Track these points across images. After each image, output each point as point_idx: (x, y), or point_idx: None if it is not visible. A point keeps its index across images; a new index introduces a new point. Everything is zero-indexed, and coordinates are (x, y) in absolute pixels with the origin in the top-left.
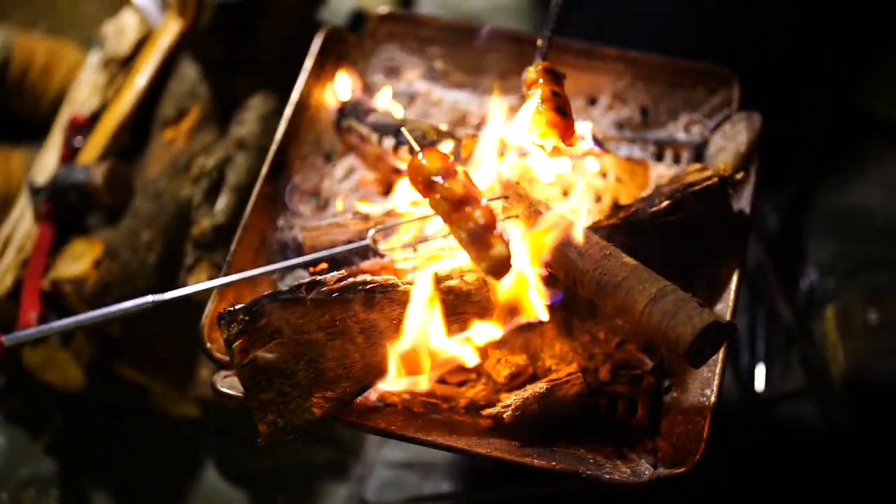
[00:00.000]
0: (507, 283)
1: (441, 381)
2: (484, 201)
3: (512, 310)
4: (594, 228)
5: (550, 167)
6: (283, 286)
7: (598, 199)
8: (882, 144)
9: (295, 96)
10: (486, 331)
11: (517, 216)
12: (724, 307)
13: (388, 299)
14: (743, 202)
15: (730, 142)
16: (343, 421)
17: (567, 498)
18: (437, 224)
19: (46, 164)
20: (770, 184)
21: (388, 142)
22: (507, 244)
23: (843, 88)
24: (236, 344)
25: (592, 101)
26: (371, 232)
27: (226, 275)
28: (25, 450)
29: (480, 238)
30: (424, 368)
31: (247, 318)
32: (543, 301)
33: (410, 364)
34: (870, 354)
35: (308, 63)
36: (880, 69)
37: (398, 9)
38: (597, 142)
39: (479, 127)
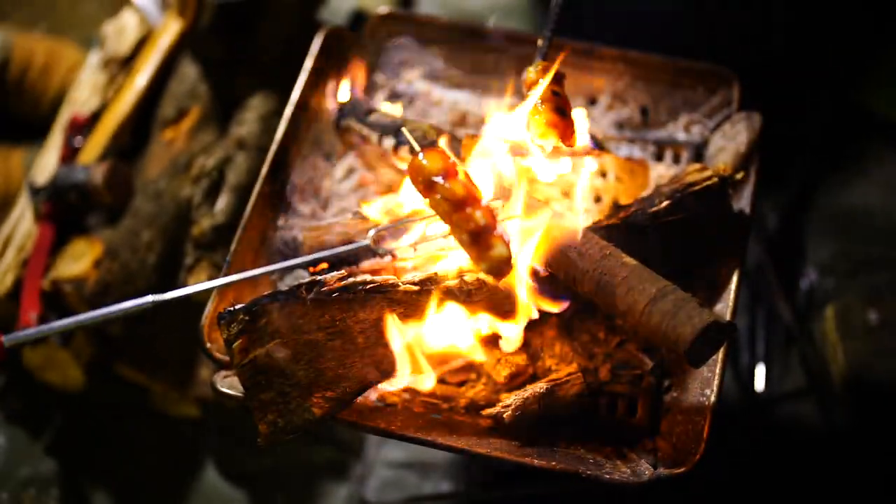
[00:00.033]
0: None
1: (441, 380)
2: (484, 202)
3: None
4: (594, 228)
5: (550, 167)
6: (283, 286)
7: (598, 199)
8: (882, 144)
9: (295, 96)
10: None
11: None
12: (724, 307)
13: (388, 299)
14: (743, 202)
15: (730, 142)
16: (343, 421)
17: (567, 498)
18: (437, 224)
19: (46, 164)
20: (770, 184)
21: (389, 142)
22: (507, 245)
23: (843, 88)
24: (236, 344)
25: (592, 101)
26: (371, 232)
27: (226, 275)
28: (25, 450)
29: (481, 239)
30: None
31: (247, 318)
32: (539, 304)
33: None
34: (870, 354)
35: (308, 63)
36: (880, 69)
37: (398, 9)
38: (596, 142)
39: (478, 127)
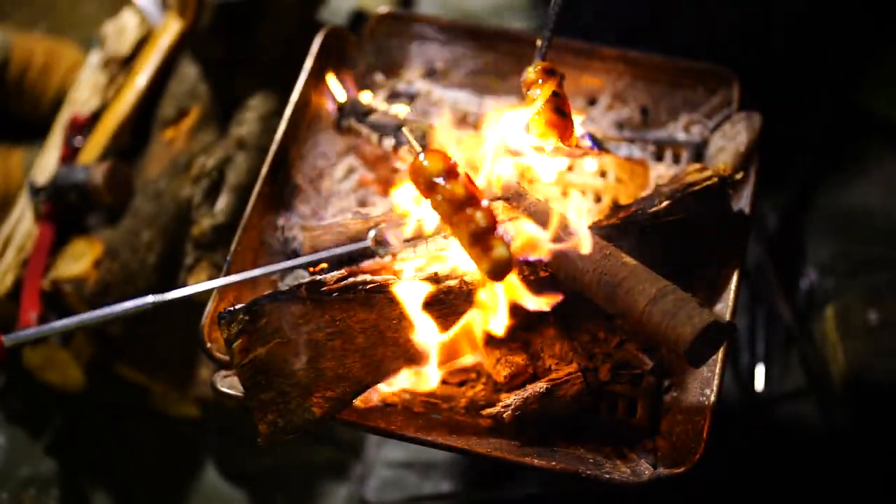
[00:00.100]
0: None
1: (441, 380)
2: (485, 202)
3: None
4: (594, 228)
5: (550, 167)
6: (283, 286)
7: (598, 199)
8: (882, 144)
9: (295, 96)
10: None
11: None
12: (724, 307)
13: (388, 299)
14: (743, 202)
15: (730, 142)
16: (343, 421)
17: (567, 498)
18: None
19: (46, 164)
20: (770, 184)
21: (389, 142)
22: (508, 246)
23: (843, 88)
24: (236, 344)
25: (592, 101)
26: (371, 232)
27: (226, 275)
28: (25, 450)
29: (481, 240)
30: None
31: (247, 317)
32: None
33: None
34: (870, 354)
35: (308, 63)
36: (880, 69)
37: (398, 9)
38: (596, 142)
39: (478, 127)
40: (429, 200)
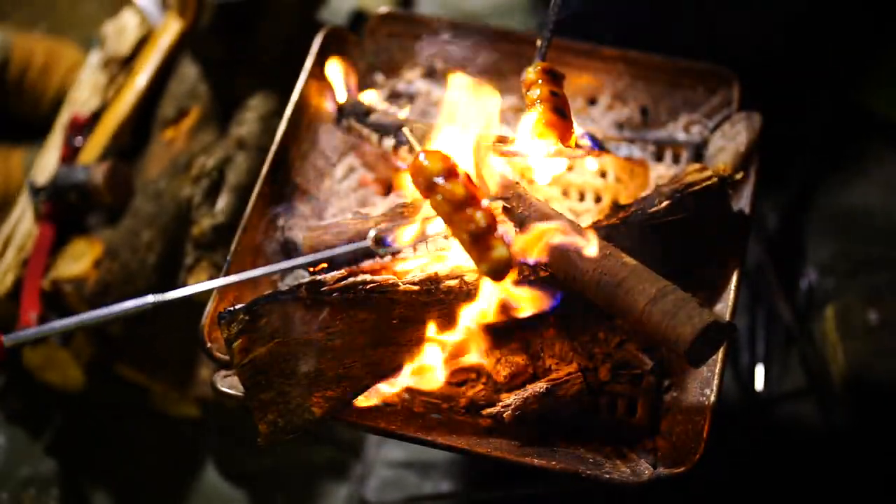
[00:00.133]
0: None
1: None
2: (485, 203)
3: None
4: (594, 228)
5: (550, 167)
6: (283, 286)
7: (598, 199)
8: (882, 144)
9: (295, 96)
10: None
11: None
12: (724, 307)
13: (387, 299)
14: (743, 202)
15: (729, 142)
16: (343, 421)
17: (567, 498)
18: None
19: (46, 164)
20: (770, 184)
21: (389, 142)
22: (508, 246)
23: (843, 88)
24: (236, 344)
25: (592, 101)
26: (371, 232)
27: (226, 275)
28: (25, 450)
29: (481, 240)
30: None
31: (247, 317)
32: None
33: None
34: (870, 354)
35: (308, 63)
36: (880, 69)
37: (398, 9)
38: (596, 142)
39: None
40: (429, 200)
